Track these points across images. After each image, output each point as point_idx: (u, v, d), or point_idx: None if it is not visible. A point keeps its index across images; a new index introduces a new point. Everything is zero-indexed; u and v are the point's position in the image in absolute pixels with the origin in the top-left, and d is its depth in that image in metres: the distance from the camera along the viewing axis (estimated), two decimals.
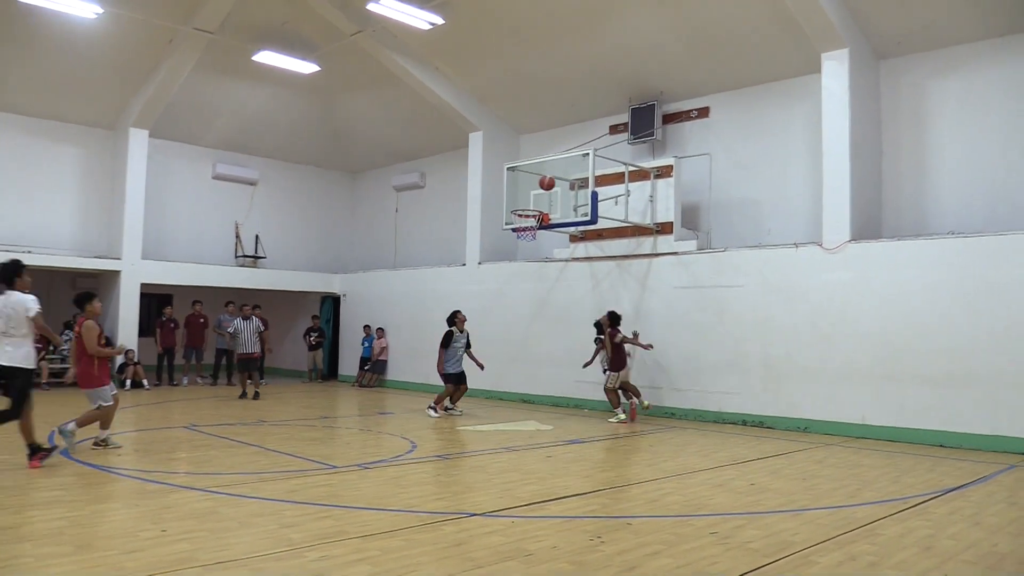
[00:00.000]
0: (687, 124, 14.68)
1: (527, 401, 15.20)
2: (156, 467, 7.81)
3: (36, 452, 7.54)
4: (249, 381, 15.41)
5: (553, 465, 8.37)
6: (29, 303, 7.49)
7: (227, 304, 18.53)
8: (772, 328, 12.06)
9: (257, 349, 15.34)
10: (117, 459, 8.21)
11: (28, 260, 15.74)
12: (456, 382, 13.22)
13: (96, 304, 8.88)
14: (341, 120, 19.63)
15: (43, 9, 13.40)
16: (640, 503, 6.62)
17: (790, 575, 4.68)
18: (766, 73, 13.48)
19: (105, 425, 8.69)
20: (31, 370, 7.55)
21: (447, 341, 13.08)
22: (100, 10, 13.45)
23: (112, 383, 8.81)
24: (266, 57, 15.61)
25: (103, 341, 8.77)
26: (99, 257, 17.33)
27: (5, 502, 6.12)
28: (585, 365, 13.05)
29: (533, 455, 9.12)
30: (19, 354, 7.45)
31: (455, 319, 13.21)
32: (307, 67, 16.14)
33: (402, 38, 15.51)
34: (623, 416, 12.40)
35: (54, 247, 17.03)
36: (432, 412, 12.82)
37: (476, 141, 17.23)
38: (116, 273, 17.14)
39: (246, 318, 15.42)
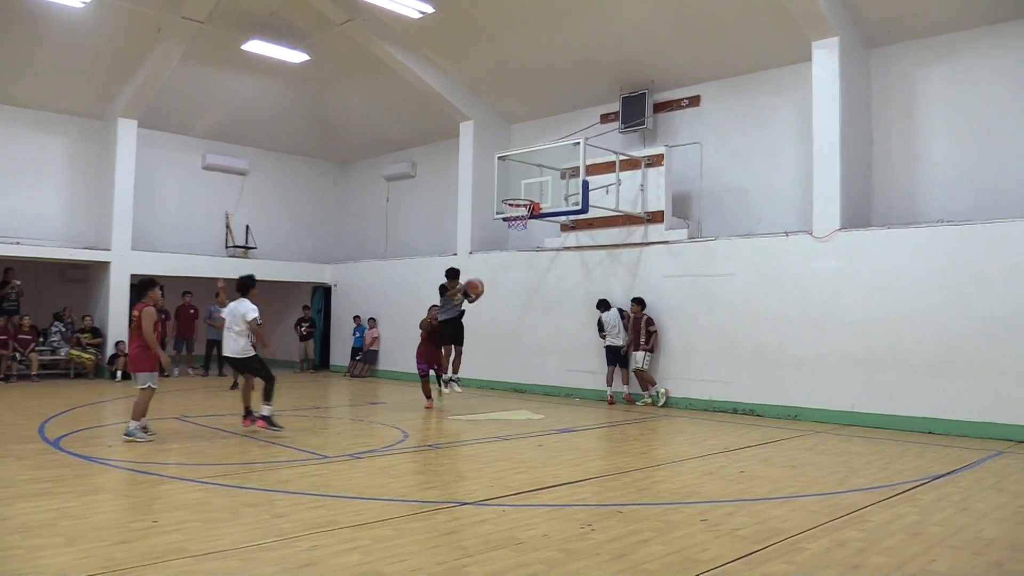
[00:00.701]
0: (678, 113, 14.67)
1: (518, 390, 15.22)
2: (147, 458, 7.79)
3: (248, 416, 9.67)
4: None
5: (544, 454, 8.40)
6: (249, 309, 9.44)
7: (217, 295, 18.46)
8: (762, 316, 12.10)
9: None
10: (108, 450, 8.19)
11: (17, 252, 15.87)
12: (451, 340, 12.32)
13: (156, 292, 9.17)
14: (331, 110, 19.55)
15: None
16: (630, 491, 6.65)
17: (779, 561, 4.71)
18: (757, 62, 13.48)
19: (139, 415, 8.73)
20: (251, 356, 9.54)
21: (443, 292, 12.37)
22: None
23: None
24: (255, 46, 15.50)
25: (158, 329, 9.14)
26: (88, 248, 17.24)
27: None
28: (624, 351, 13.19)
29: (524, 444, 9.15)
30: (237, 346, 9.47)
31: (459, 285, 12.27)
32: (296, 56, 16.04)
33: (392, 27, 15.44)
34: (663, 392, 12.83)
35: (43, 238, 16.92)
36: (456, 387, 12.27)
37: (467, 130, 17.18)
38: (106, 264, 17.07)
39: (222, 306, 14.82)
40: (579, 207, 12.92)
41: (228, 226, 19.93)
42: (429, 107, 17.37)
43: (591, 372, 14.09)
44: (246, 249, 19.85)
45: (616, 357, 13.36)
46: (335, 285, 20.57)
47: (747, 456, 8.49)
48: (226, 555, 4.70)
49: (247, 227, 20.14)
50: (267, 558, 4.68)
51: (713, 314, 12.70)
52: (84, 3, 13.43)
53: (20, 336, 16.06)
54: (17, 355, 15.94)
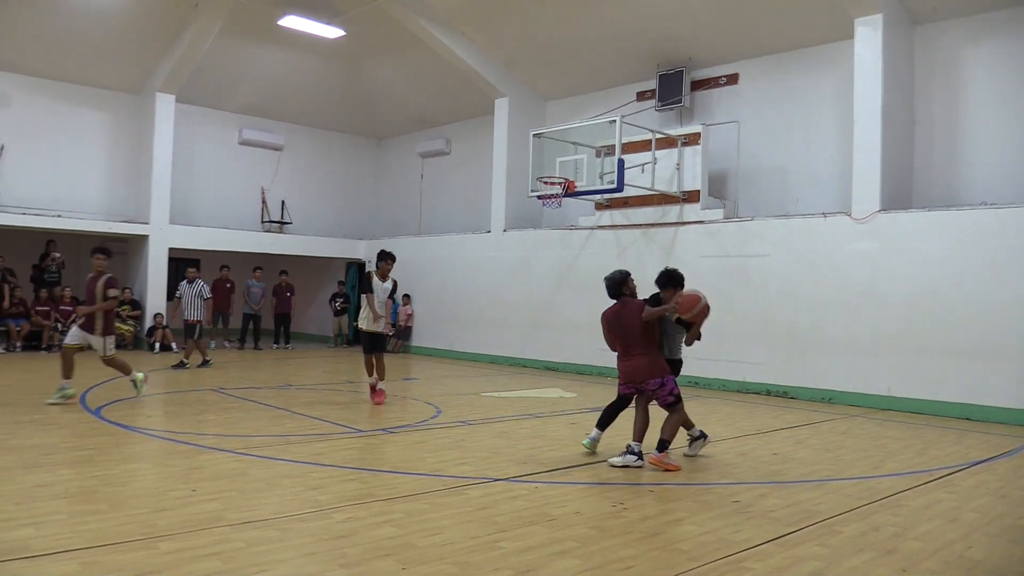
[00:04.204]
0: (715, 91, 14.49)
1: (551, 368, 15.25)
2: (186, 428, 7.94)
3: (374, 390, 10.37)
4: (183, 347, 14.56)
5: (577, 432, 8.41)
6: (383, 287, 10.55)
7: (255, 269, 18.71)
8: (798, 298, 11.97)
9: (200, 315, 14.13)
10: (147, 420, 8.36)
11: (58, 224, 16.16)
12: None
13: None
14: (367, 86, 19.57)
15: None
16: (662, 470, 6.64)
17: (813, 544, 4.69)
18: (797, 39, 13.24)
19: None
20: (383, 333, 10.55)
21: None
22: None
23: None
24: (291, 22, 15.55)
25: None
26: (127, 222, 17.50)
27: (40, 460, 6.27)
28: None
29: (557, 422, 9.18)
30: (376, 325, 10.44)
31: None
32: (332, 32, 16.07)
33: (428, 2, 15.39)
34: None
35: (83, 211, 17.21)
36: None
37: (502, 107, 17.12)
38: (144, 238, 17.33)
39: (190, 281, 14.22)
40: (614, 185, 12.84)
41: (264, 201, 20.11)
42: (464, 84, 17.32)
43: None
44: (281, 224, 20.03)
45: None
46: (369, 261, 20.69)
47: (780, 438, 8.44)
48: (263, 525, 4.78)
49: (283, 202, 20.31)
50: (303, 529, 4.76)
51: (748, 295, 12.59)
52: None
53: (61, 307, 16.41)
54: (59, 326, 16.29)
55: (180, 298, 14.32)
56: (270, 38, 17.10)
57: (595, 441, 7.18)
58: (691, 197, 13.44)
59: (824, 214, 11.98)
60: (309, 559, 4.24)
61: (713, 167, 13.81)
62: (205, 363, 14.07)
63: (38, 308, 16.26)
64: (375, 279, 10.59)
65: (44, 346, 16.11)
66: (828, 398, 11.54)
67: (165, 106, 17.43)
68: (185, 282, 14.33)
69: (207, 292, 14.31)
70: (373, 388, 10.43)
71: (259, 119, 20.02)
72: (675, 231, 13.63)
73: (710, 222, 13.20)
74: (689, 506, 5.49)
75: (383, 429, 8.30)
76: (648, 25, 14.06)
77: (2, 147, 16.43)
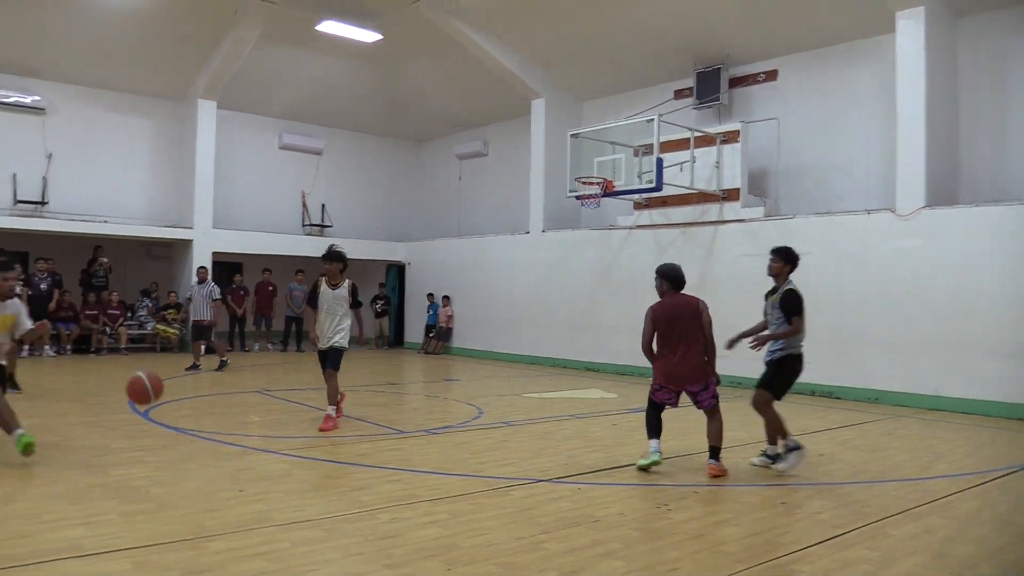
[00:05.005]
0: (754, 88, 14.34)
1: (591, 369, 15.20)
2: (231, 430, 8.05)
3: None
4: (205, 351, 14.20)
5: (618, 433, 8.38)
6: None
7: (297, 272, 18.91)
8: (842, 297, 11.79)
9: (209, 316, 13.99)
10: (194, 422, 8.49)
11: (105, 230, 16.51)
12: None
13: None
14: (404, 89, 19.69)
15: None
16: (706, 472, 6.58)
17: (863, 547, 4.62)
18: (837, 34, 13.05)
19: None
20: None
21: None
22: None
23: None
24: (329, 27, 15.71)
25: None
26: (172, 226, 17.82)
27: (92, 461, 6.40)
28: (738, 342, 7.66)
29: (598, 423, 9.15)
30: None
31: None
32: (369, 36, 16.21)
33: (464, 4, 15.43)
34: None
35: (129, 217, 17.56)
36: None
37: (539, 108, 17.12)
38: (188, 242, 17.62)
39: (200, 282, 14.24)
40: (653, 185, 12.76)
41: (304, 205, 20.33)
42: (501, 85, 17.36)
43: None
44: (322, 227, 20.24)
45: None
46: (409, 263, 20.83)
47: (826, 439, 8.33)
48: (309, 525, 4.83)
49: (323, 206, 20.52)
50: (348, 529, 4.80)
51: None
52: None
53: (109, 311, 16.76)
54: (107, 329, 16.65)
55: (190, 299, 14.46)
56: (308, 43, 17.28)
57: (659, 452, 6.50)
58: (731, 195, 13.32)
59: (868, 211, 11.80)
60: (355, 559, 4.28)
61: (753, 165, 13.66)
62: (222, 364, 13.96)
63: (87, 312, 16.63)
64: (323, 286, 8.58)
65: (93, 349, 16.48)
66: (874, 398, 11.35)
67: (207, 112, 17.72)
68: (196, 282, 14.44)
69: (217, 293, 14.28)
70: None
71: (299, 123, 20.25)
72: (715, 230, 13.51)
73: (750, 220, 13.06)
74: (734, 508, 5.44)
75: (426, 430, 8.35)
76: (685, 22, 13.97)
77: (50, 155, 16.82)
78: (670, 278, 6.88)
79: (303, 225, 20.20)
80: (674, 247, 14.04)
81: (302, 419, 8.93)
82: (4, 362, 6.64)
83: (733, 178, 13.29)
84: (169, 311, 17.41)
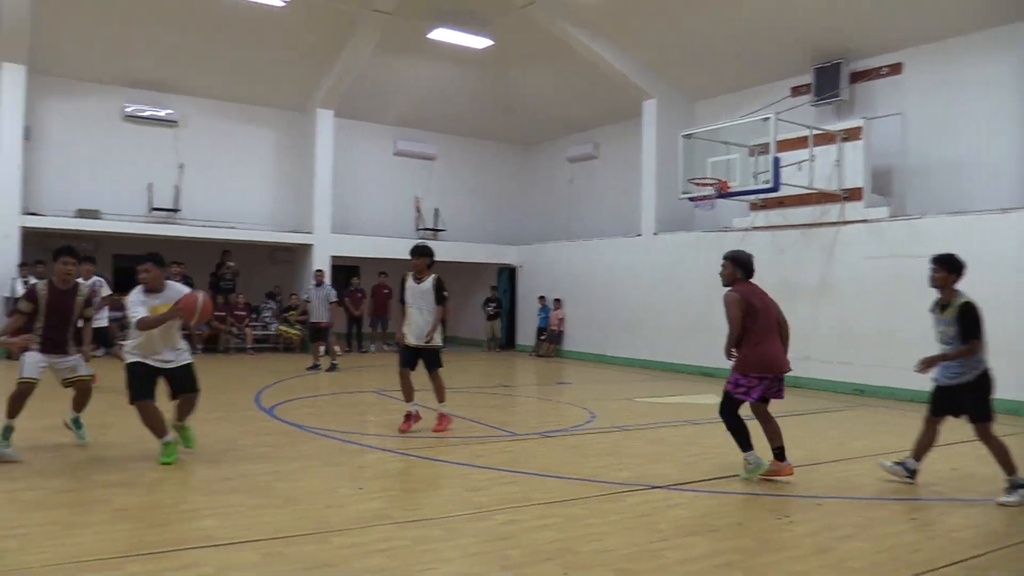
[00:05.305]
0: (877, 82, 13.74)
1: (706, 374, 14.89)
2: (351, 428, 8.29)
3: None
4: (324, 352, 14.53)
5: (733, 440, 8.16)
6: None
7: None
8: (976, 300, 11.10)
9: (328, 318, 14.40)
10: (315, 420, 8.78)
11: (232, 235, 17.33)
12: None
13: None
14: (515, 93, 19.85)
15: (239, 1, 14.45)
16: (830, 483, 6.34)
17: (1004, 570, 4.34)
18: (966, 23, 12.33)
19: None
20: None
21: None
22: None
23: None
24: (441, 34, 16.01)
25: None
26: (293, 232, 18.55)
27: (222, 456, 6.72)
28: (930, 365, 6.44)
29: (714, 429, 8.88)
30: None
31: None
32: (480, 42, 16.42)
33: (573, 7, 15.44)
34: None
35: (254, 223, 18.40)
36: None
37: (650, 109, 16.93)
38: (308, 247, 18.29)
39: (318, 285, 14.65)
40: (769, 185, 12.42)
41: (418, 209, 20.77)
42: (611, 87, 17.26)
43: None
44: (435, 231, 20.62)
45: None
46: (520, 266, 20.96)
47: (960, 452, 7.86)
48: (427, 524, 4.92)
49: (436, 210, 20.91)
50: (465, 529, 4.86)
51: (919, 298, 11.68)
52: (285, 2, 14.43)
53: (236, 312, 17.58)
54: (234, 330, 17.47)
55: (308, 301, 14.93)
56: (421, 52, 17.67)
57: (760, 465, 6.22)
58: (853, 195, 12.80)
59: (1003, 210, 11.10)
60: (473, 560, 4.33)
61: (876, 163, 13.07)
62: (333, 367, 14.27)
63: (215, 313, 17.46)
64: (410, 281, 8.35)
65: (221, 348, 17.32)
66: (1013, 409, 10.66)
67: (325, 121, 18.39)
68: (313, 285, 14.86)
69: (334, 296, 14.72)
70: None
71: (412, 130, 20.71)
72: (836, 231, 13.01)
73: (874, 221, 12.51)
74: (859, 521, 5.21)
75: (539, 433, 8.37)
76: (802, 16, 13.51)
77: (182, 166, 17.81)
78: (744, 265, 6.60)
79: (417, 229, 20.63)
80: (793, 249, 13.60)
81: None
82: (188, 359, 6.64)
83: (855, 177, 12.76)
84: (291, 313, 18.11)
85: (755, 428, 6.43)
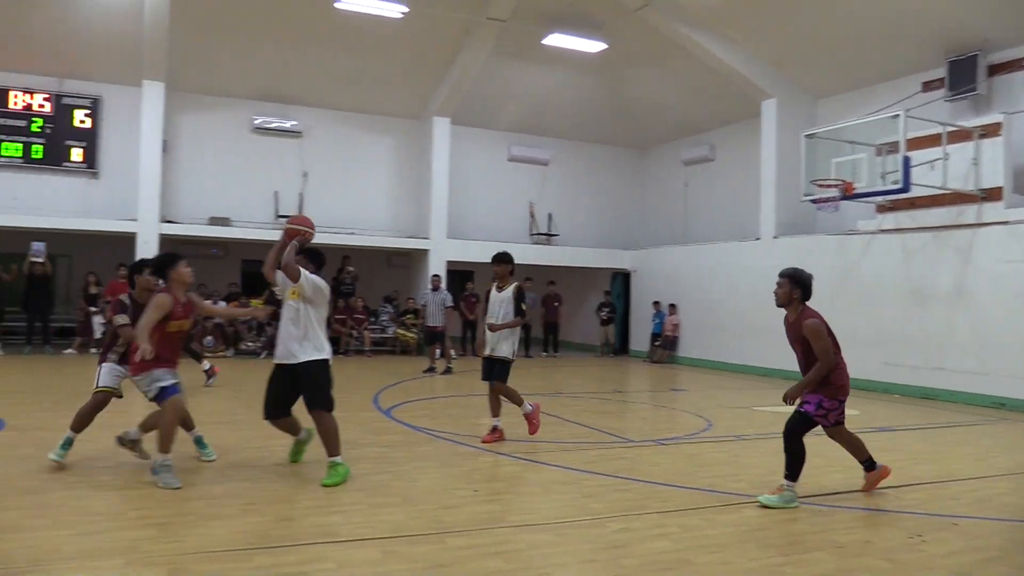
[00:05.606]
0: (1018, 75, 12.86)
1: None
2: (465, 431, 8.39)
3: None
4: (439, 356, 14.66)
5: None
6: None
7: (525, 280, 19.39)
8: None
9: (443, 322, 14.55)
10: (431, 422, 8.94)
11: (352, 241, 17.90)
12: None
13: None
14: (629, 96, 19.68)
15: (356, 13, 14.95)
16: (966, 502, 5.96)
17: None
18: None
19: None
20: None
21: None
22: (405, 9, 14.68)
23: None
24: (555, 39, 16.05)
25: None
26: (410, 237, 18.99)
27: (343, 454, 6.87)
28: None
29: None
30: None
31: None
32: (595, 46, 16.37)
33: (688, 7, 15.18)
34: None
35: (372, 229, 18.94)
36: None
37: (769, 109, 16.44)
38: (425, 252, 18.68)
39: (435, 289, 14.95)
40: (899, 186, 11.85)
41: (532, 214, 20.88)
42: (728, 87, 16.87)
43: (912, 366, 12.89)
44: (549, 236, 20.68)
45: None
46: (634, 271, 20.75)
47: None
48: (541, 528, 4.92)
49: (549, 215, 20.96)
50: (579, 535, 4.83)
51: None
52: (402, 13, 14.81)
53: (355, 316, 18.11)
54: (353, 332, 18.00)
55: (424, 305, 15.24)
56: (534, 57, 17.77)
57: (794, 500, 5.63)
58: (992, 195, 12.04)
59: None
60: (587, 566, 4.30)
61: (1018, 160, 12.24)
62: (448, 370, 14.40)
63: (336, 317, 18.06)
64: (492, 289, 8.19)
65: (340, 351, 17.86)
66: None
67: (441, 128, 18.76)
68: (430, 290, 15.14)
69: (450, 300, 14.94)
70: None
71: (526, 136, 20.84)
72: (973, 233, 12.27)
73: (1016, 222, 11.72)
74: (1002, 544, 4.89)
75: (654, 440, 8.25)
76: (934, 6, 12.82)
77: (306, 174, 18.53)
78: (804, 285, 6.28)
79: (530, 234, 20.75)
80: (924, 252, 12.92)
81: None
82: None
83: (994, 176, 12.00)
84: (408, 316, 18.52)
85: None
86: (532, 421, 8.00)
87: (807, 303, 6.23)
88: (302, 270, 6.22)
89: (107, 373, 6.35)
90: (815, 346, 5.88)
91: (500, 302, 7.98)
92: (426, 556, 4.34)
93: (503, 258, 8.08)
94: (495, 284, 8.13)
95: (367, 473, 6.26)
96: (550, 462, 6.90)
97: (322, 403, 6.03)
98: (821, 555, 4.55)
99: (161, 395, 5.84)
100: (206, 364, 11.59)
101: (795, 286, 6.25)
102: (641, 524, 5.07)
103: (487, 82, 18.42)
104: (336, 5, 14.46)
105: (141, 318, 5.87)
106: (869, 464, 6.05)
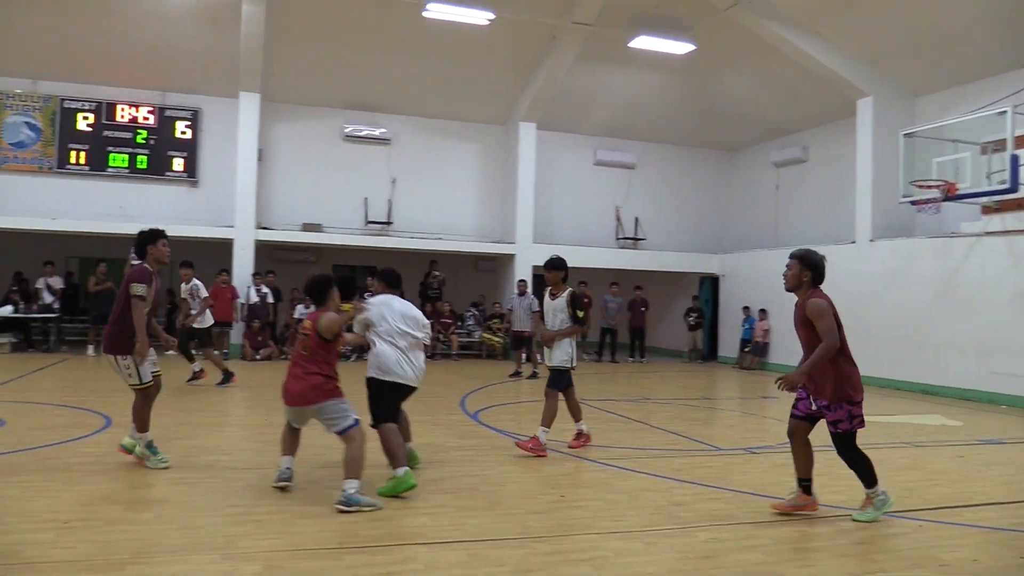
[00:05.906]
0: None
1: (928, 392, 13.73)
2: (551, 436, 8.33)
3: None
4: (525, 360, 14.71)
5: (966, 467, 7.47)
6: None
7: (612, 285, 19.31)
8: None
9: (529, 327, 14.36)
10: (516, 426, 8.96)
11: (439, 246, 18.14)
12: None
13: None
14: (717, 98, 19.35)
15: (443, 21, 15.17)
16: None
17: None
18: None
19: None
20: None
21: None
22: (492, 16, 14.80)
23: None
24: (642, 42, 15.91)
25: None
26: (497, 242, 19.12)
27: (432, 457, 6.98)
28: None
29: (940, 453, 8.22)
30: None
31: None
32: (682, 47, 16.16)
33: (779, 5, 14.83)
34: None
35: (459, 234, 19.16)
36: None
37: (865, 107, 15.88)
38: (511, 256, 18.78)
39: (521, 294, 15.00)
40: (1006, 186, 11.33)
41: (618, 218, 20.73)
42: (821, 86, 16.39)
43: (1021, 376, 12.24)
44: (635, 240, 20.50)
45: None
46: (723, 275, 20.37)
47: None
48: (628, 536, 4.87)
49: (636, 219, 20.78)
50: (667, 544, 4.77)
51: None
52: (488, 20, 14.94)
53: (442, 320, 18.32)
54: (440, 336, 18.21)
55: (511, 310, 15.29)
56: (621, 60, 17.66)
57: (887, 501, 5.41)
58: None
59: None
60: None
61: None
62: (533, 375, 14.33)
63: None
64: (546, 297, 8.04)
65: (428, 354, 18.06)
66: None
67: (527, 134, 18.85)
68: (516, 294, 15.22)
69: (536, 305, 14.53)
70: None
71: (612, 139, 20.72)
72: None
73: None
74: None
75: (744, 448, 8.07)
76: None
77: (394, 180, 18.89)
78: (816, 267, 5.76)
79: (617, 238, 20.61)
80: None
81: (618, 429, 9.04)
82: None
83: None
84: (494, 321, 18.63)
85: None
86: (537, 442, 7.36)
87: (819, 287, 5.79)
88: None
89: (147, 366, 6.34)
90: (818, 325, 5.46)
91: (554, 311, 7.75)
92: (512, 560, 4.35)
93: (555, 264, 7.87)
94: (548, 291, 7.94)
95: (454, 476, 6.32)
96: (637, 469, 6.83)
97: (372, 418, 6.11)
98: (923, 572, 4.37)
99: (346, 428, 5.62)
100: (197, 365, 11.74)
101: (805, 268, 5.80)
102: (731, 535, 4.96)
103: (573, 86, 18.40)
104: (424, 14, 14.71)
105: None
106: (807, 487, 5.56)
